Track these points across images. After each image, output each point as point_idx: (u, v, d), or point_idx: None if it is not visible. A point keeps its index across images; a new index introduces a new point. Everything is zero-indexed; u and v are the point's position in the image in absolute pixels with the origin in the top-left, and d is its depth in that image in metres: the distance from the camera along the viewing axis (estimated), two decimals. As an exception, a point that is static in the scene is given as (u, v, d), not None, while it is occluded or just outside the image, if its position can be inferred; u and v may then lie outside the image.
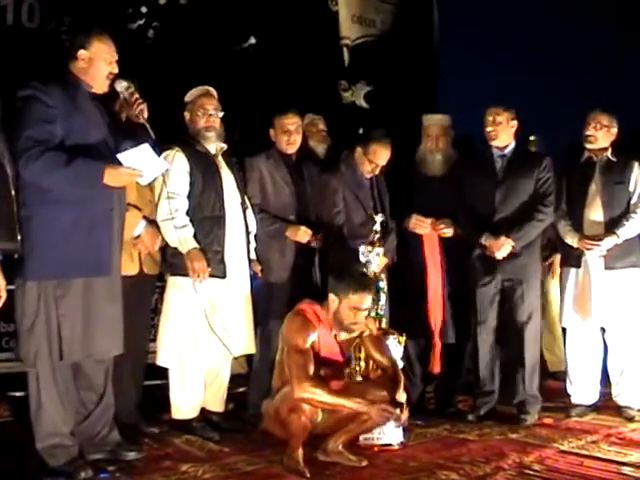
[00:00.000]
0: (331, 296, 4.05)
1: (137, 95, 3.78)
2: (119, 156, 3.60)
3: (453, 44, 8.19)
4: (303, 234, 4.77)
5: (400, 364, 4.40)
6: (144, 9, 5.62)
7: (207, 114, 4.52)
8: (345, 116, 5.99)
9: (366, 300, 4.03)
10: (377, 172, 5.04)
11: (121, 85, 3.81)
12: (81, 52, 3.78)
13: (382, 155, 4.97)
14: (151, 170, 3.73)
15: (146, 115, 3.77)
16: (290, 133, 4.87)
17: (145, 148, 3.65)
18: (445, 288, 5.04)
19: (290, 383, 3.89)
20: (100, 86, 3.81)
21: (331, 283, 4.10)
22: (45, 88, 3.65)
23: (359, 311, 4.02)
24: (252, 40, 6.08)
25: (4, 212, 3.50)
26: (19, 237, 3.57)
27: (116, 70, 3.81)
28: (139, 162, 3.65)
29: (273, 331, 4.61)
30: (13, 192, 3.57)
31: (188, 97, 4.60)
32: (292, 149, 4.91)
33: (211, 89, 4.60)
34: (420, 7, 7.67)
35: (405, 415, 3.99)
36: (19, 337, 3.74)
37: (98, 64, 3.78)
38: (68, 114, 3.65)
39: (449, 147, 5.19)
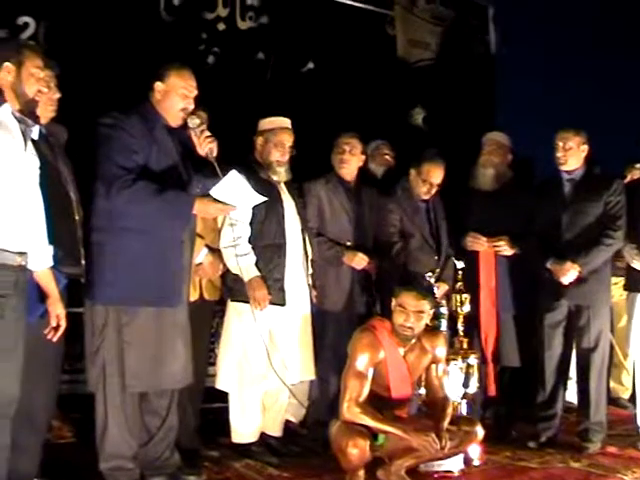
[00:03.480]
0: (392, 302, 4.07)
1: (207, 133, 3.77)
2: (212, 192, 3.62)
3: (511, 64, 8.15)
4: (360, 260, 4.76)
5: (461, 390, 4.38)
6: (204, 35, 5.70)
7: (283, 150, 4.54)
8: (407, 139, 5.97)
9: (414, 301, 4.02)
10: (433, 192, 5.02)
11: (193, 122, 3.80)
12: (157, 84, 3.84)
13: (435, 174, 4.96)
14: (244, 202, 3.75)
15: (215, 153, 3.77)
16: (343, 152, 4.89)
17: (235, 176, 3.65)
18: (500, 308, 4.99)
19: (341, 402, 3.97)
20: (173, 119, 3.84)
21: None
22: (126, 118, 3.71)
23: (406, 311, 4.01)
24: (310, 65, 6.12)
25: (68, 237, 3.58)
26: (83, 262, 3.65)
27: (191, 106, 3.84)
28: (231, 194, 3.67)
29: (328, 359, 4.63)
30: (77, 217, 3.65)
31: (267, 126, 4.61)
32: (344, 169, 4.91)
33: (289, 122, 4.62)
34: (474, 26, 7.64)
35: (447, 446, 3.94)
36: (86, 358, 3.82)
37: (173, 98, 3.82)
38: (146, 145, 3.70)
39: (503, 164, 5.19)
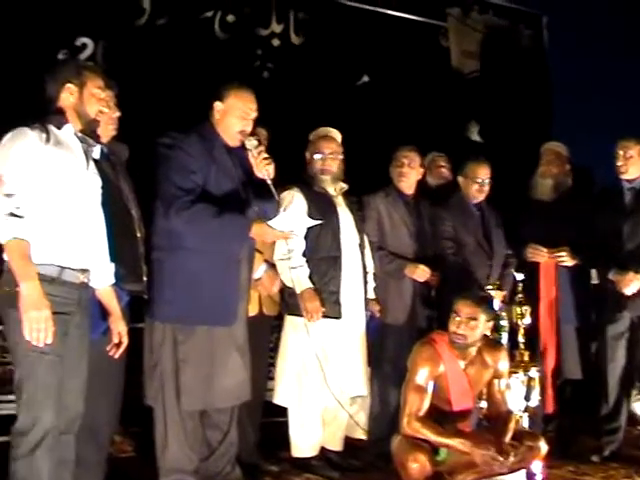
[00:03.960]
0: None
1: (265, 155, 3.78)
2: (271, 223, 3.65)
3: (567, 72, 8.06)
4: (422, 272, 4.74)
5: (522, 404, 4.32)
6: (259, 51, 5.75)
7: (323, 157, 4.55)
8: (462, 150, 5.94)
9: (467, 308, 3.99)
10: (485, 191, 5.01)
11: (251, 143, 3.80)
12: (217, 104, 3.86)
13: (482, 171, 4.98)
14: (298, 227, 3.77)
15: (272, 175, 3.77)
16: (402, 165, 4.88)
17: (294, 211, 3.72)
18: (561, 320, 4.92)
19: (401, 416, 3.95)
20: (231, 140, 3.86)
21: None
22: (185, 138, 3.75)
23: (459, 318, 3.98)
24: (365, 78, 6.13)
25: (130, 255, 3.63)
26: (145, 278, 3.70)
27: (249, 127, 3.85)
28: (288, 223, 3.70)
29: (389, 373, 4.61)
30: (139, 235, 3.69)
31: (311, 137, 4.65)
32: (403, 182, 4.91)
33: (332, 131, 4.63)
34: (528, 35, 7.58)
35: (510, 462, 3.88)
36: (145, 373, 3.86)
37: (231, 118, 3.84)
38: (204, 165, 3.73)
39: (562, 174, 5.15)
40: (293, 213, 3.74)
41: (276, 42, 5.86)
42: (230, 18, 5.64)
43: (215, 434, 3.94)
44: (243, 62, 5.60)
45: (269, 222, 3.67)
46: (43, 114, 3.25)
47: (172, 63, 5.32)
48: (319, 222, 3.96)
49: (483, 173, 4.98)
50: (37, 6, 5.03)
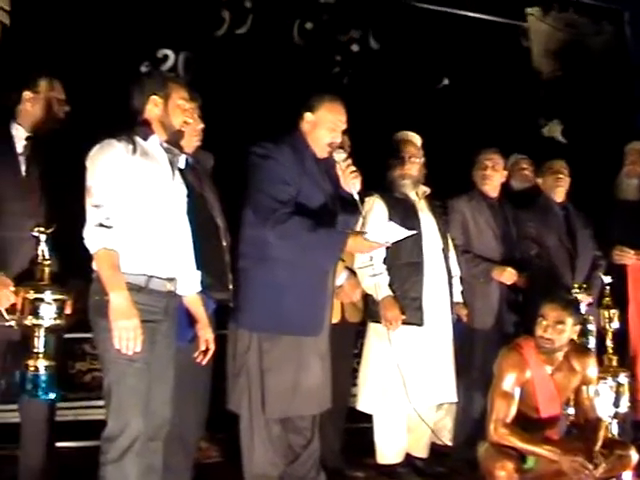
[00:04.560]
0: None
1: (353, 168, 3.75)
2: (368, 235, 3.66)
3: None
4: (509, 275, 4.69)
5: (611, 410, 4.22)
6: (338, 57, 5.76)
7: (403, 162, 4.53)
8: (546, 151, 5.85)
9: (554, 312, 3.91)
10: (565, 185, 4.98)
11: (339, 156, 3.79)
12: (307, 114, 3.87)
13: (556, 163, 5.00)
14: (394, 238, 3.78)
15: (358, 188, 3.75)
16: (486, 168, 4.85)
17: (390, 225, 3.71)
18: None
19: (487, 423, 3.89)
20: (320, 151, 3.86)
21: None
22: (277, 149, 3.76)
23: (546, 322, 3.90)
24: (445, 81, 6.08)
25: (216, 263, 3.67)
26: (231, 287, 3.73)
27: (339, 140, 3.85)
28: (385, 234, 3.70)
29: (475, 379, 4.56)
30: (224, 243, 3.73)
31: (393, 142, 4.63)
32: (487, 186, 4.88)
33: (412, 135, 4.61)
34: (609, 31, 7.41)
35: (600, 471, 3.78)
36: (228, 379, 3.90)
37: (320, 130, 3.84)
38: (297, 176, 3.74)
39: None
40: (390, 224, 3.72)
41: (355, 48, 5.86)
42: (309, 25, 5.66)
43: (298, 439, 3.95)
44: (322, 68, 5.61)
45: (366, 235, 3.65)
46: (129, 126, 3.31)
47: (252, 72, 5.36)
48: (414, 233, 3.94)
49: (558, 165, 4.97)
50: (120, 19, 5.14)
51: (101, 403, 4.82)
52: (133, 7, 5.19)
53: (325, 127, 3.83)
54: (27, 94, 3.76)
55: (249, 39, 5.52)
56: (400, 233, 3.70)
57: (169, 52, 5.34)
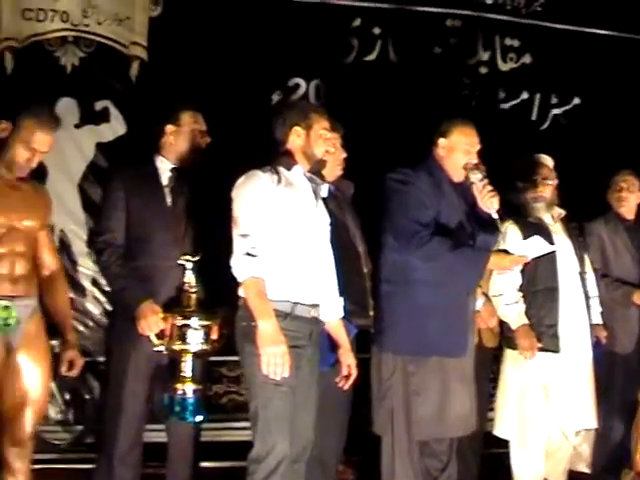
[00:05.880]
0: None
1: (490, 187, 3.78)
2: (515, 251, 3.66)
3: None
4: (650, 299, 4.57)
5: None
6: (466, 80, 5.75)
7: (535, 184, 4.48)
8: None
9: None
10: None
11: (475, 176, 3.81)
12: (441, 140, 3.91)
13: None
14: (534, 252, 3.75)
15: (496, 207, 3.77)
16: (621, 190, 4.80)
17: (532, 239, 3.69)
18: None
19: (633, 452, 3.87)
20: (456, 175, 3.89)
21: None
22: (415, 174, 3.82)
23: None
24: (577, 100, 5.98)
25: (358, 290, 3.74)
26: (371, 313, 3.78)
27: (474, 161, 3.87)
28: (529, 249, 3.71)
29: (615, 404, 4.46)
30: (365, 270, 3.79)
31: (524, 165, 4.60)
32: (623, 208, 4.83)
33: (544, 157, 4.57)
34: None
35: None
36: (373, 403, 3.92)
37: (456, 154, 3.87)
38: (434, 200, 3.78)
39: None
40: (533, 239, 3.73)
41: (483, 70, 5.84)
42: (437, 50, 5.68)
43: (434, 463, 3.94)
44: (451, 92, 5.60)
45: (511, 250, 3.66)
46: (273, 156, 3.42)
47: (381, 98, 5.41)
48: (554, 249, 3.93)
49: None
50: (251, 50, 5.27)
51: (237, 425, 5.03)
52: (263, 38, 5.31)
53: (460, 150, 3.87)
54: (170, 128, 3.93)
55: (377, 66, 5.56)
56: (542, 248, 3.67)
57: (300, 81, 5.44)
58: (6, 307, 3.26)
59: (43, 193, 3.60)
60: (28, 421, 3.36)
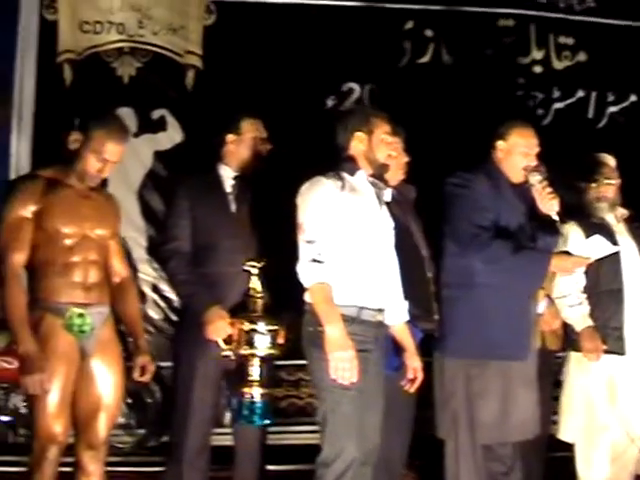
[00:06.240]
0: None
1: (549, 189, 3.77)
2: (572, 251, 3.65)
3: None
4: None
5: None
6: (521, 80, 5.72)
7: (598, 184, 4.44)
8: None
9: None
10: None
11: (535, 178, 3.81)
12: (499, 143, 3.91)
13: None
14: (597, 253, 3.73)
15: (557, 209, 3.77)
16: None
17: (595, 239, 3.69)
18: None
19: None
20: (515, 177, 3.89)
21: None
22: (474, 178, 3.83)
23: None
24: (633, 97, 5.92)
25: (422, 294, 3.74)
26: (436, 317, 3.80)
27: (533, 163, 3.86)
28: (590, 250, 3.68)
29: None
30: (429, 274, 3.80)
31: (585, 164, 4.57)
32: None
33: (606, 156, 4.52)
34: None
35: None
36: (436, 407, 3.93)
37: (515, 157, 3.87)
38: (494, 203, 3.79)
39: None
40: (595, 239, 3.72)
41: (538, 69, 5.80)
42: (490, 50, 5.66)
43: (498, 467, 3.92)
44: (506, 93, 5.58)
45: (572, 251, 3.66)
46: (335, 162, 3.44)
47: (435, 101, 5.41)
48: (617, 249, 3.90)
49: None
50: (305, 56, 5.32)
51: (297, 428, 5.06)
52: (317, 43, 5.36)
53: (519, 153, 3.86)
54: (230, 137, 3.97)
55: (431, 68, 5.58)
56: (604, 249, 3.64)
57: (354, 85, 5.47)
58: (81, 314, 3.34)
59: (113, 202, 3.67)
60: (102, 425, 3.42)
